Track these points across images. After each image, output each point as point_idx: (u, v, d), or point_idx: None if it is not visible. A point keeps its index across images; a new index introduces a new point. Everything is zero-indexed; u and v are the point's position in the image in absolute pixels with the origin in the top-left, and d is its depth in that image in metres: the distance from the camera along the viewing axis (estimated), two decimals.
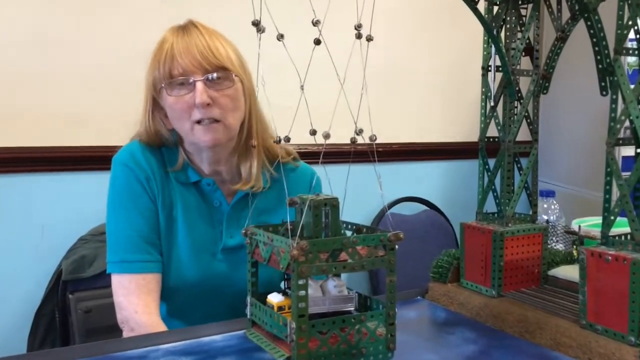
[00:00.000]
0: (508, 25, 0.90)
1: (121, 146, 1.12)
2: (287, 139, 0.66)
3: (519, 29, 0.90)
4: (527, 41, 0.90)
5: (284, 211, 0.91)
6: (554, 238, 1.28)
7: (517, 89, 0.90)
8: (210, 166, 1.10)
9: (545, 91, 0.92)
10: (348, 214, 0.67)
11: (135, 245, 1.04)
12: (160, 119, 1.08)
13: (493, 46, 0.90)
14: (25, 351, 1.54)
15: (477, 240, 0.92)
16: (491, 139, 0.94)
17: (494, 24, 0.88)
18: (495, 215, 0.94)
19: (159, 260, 1.06)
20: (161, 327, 1.01)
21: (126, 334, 1.03)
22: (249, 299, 0.77)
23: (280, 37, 0.66)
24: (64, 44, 1.68)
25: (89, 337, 1.49)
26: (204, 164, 1.10)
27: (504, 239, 0.88)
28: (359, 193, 2.25)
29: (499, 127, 0.91)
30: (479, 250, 0.92)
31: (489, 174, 0.94)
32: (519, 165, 0.96)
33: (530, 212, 0.96)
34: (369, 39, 0.65)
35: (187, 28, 1.04)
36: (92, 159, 1.70)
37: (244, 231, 0.75)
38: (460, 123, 2.43)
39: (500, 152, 0.91)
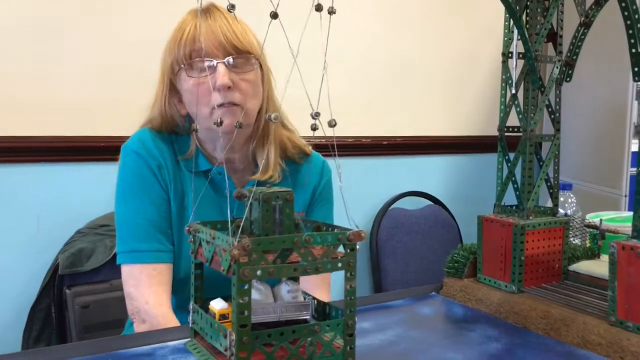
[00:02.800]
0: (530, 10, 0.86)
1: (122, 136, 1.08)
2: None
3: (541, 13, 0.86)
4: (550, 27, 0.87)
5: (296, 203, 0.87)
6: (571, 232, 1.25)
7: (539, 76, 0.87)
8: (224, 153, 1.07)
9: (568, 79, 0.89)
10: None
11: (146, 234, 1.01)
12: (174, 104, 1.06)
13: (515, 31, 0.86)
14: (19, 348, 1.51)
15: (496, 234, 0.88)
16: (510, 129, 0.91)
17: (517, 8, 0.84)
18: (514, 208, 0.91)
19: (170, 250, 1.04)
20: (172, 318, 0.98)
21: (137, 325, 1.00)
22: (191, 305, 0.69)
23: (231, 7, 0.58)
24: (65, 33, 1.63)
25: (86, 334, 1.45)
26: (217, 151, 1.07)
27: (525, 232, 0.85)
28: (362, 186, 2.22)
29: (520, 116, 0.88)
30: (498, 244, 0.88)
31: (509, 165, 0.90)
32: (538, 157, 0.92)
33: (551, 205, 0.93)
34: (331, 11, 0.57)
35: (210, 11, 1.02)
36: (90, 150, 1.66)
37: (187, 228, 0.67)
38: (465, 117, 2.39)
39: (522, 141, 0.87)
